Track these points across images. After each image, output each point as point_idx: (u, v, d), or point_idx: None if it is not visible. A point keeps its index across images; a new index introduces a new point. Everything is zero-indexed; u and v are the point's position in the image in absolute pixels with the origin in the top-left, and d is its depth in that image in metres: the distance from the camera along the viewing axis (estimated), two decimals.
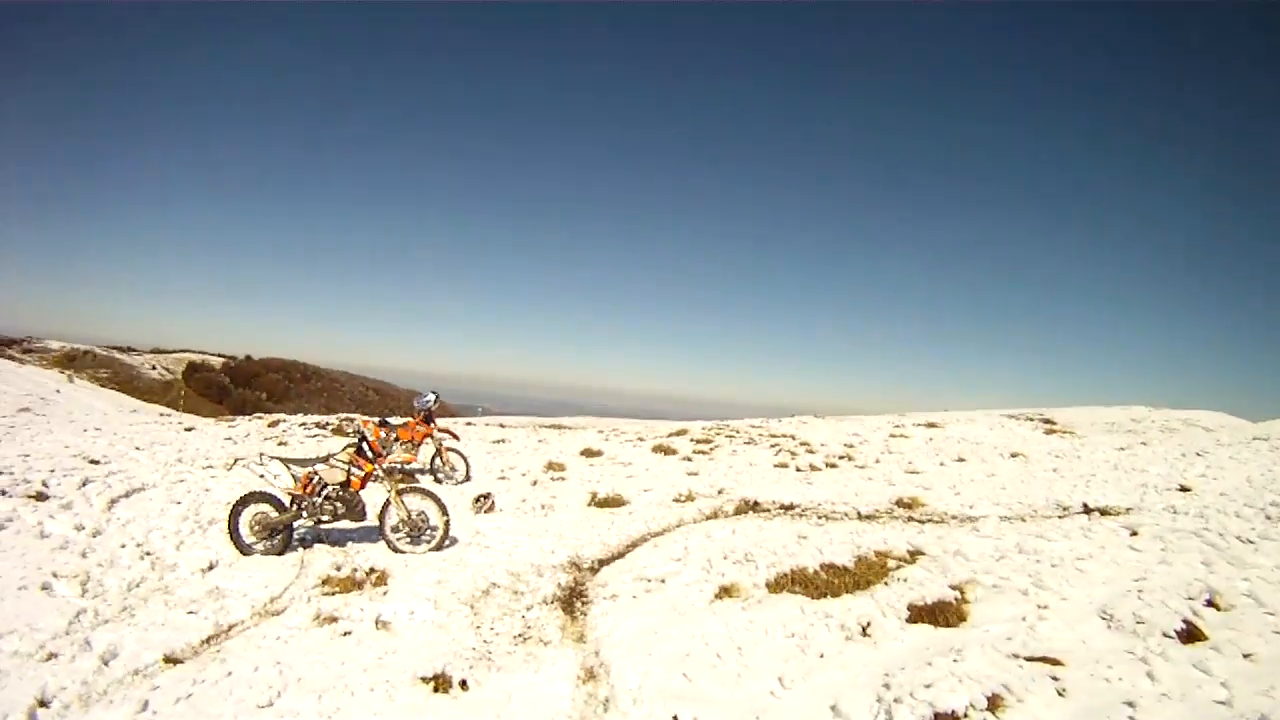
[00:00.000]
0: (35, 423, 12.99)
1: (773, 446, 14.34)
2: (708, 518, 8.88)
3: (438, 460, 10.06)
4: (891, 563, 5.76)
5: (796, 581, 5.37)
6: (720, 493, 10.07)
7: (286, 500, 6.33)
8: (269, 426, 14.81)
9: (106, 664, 4.07)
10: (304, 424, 15.02)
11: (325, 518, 6.35)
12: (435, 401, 10.35)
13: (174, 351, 74.19)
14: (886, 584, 5.15)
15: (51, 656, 4.06)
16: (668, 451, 13.35)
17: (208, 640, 4.55)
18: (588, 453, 12.73)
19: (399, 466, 9.87)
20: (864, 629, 4.38)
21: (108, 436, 11.29)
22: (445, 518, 6.43)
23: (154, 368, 64.62)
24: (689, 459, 12.88)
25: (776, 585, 5.34)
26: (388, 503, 6.39)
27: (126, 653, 4.21)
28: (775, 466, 12.37)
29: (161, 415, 22.75)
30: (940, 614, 4.42)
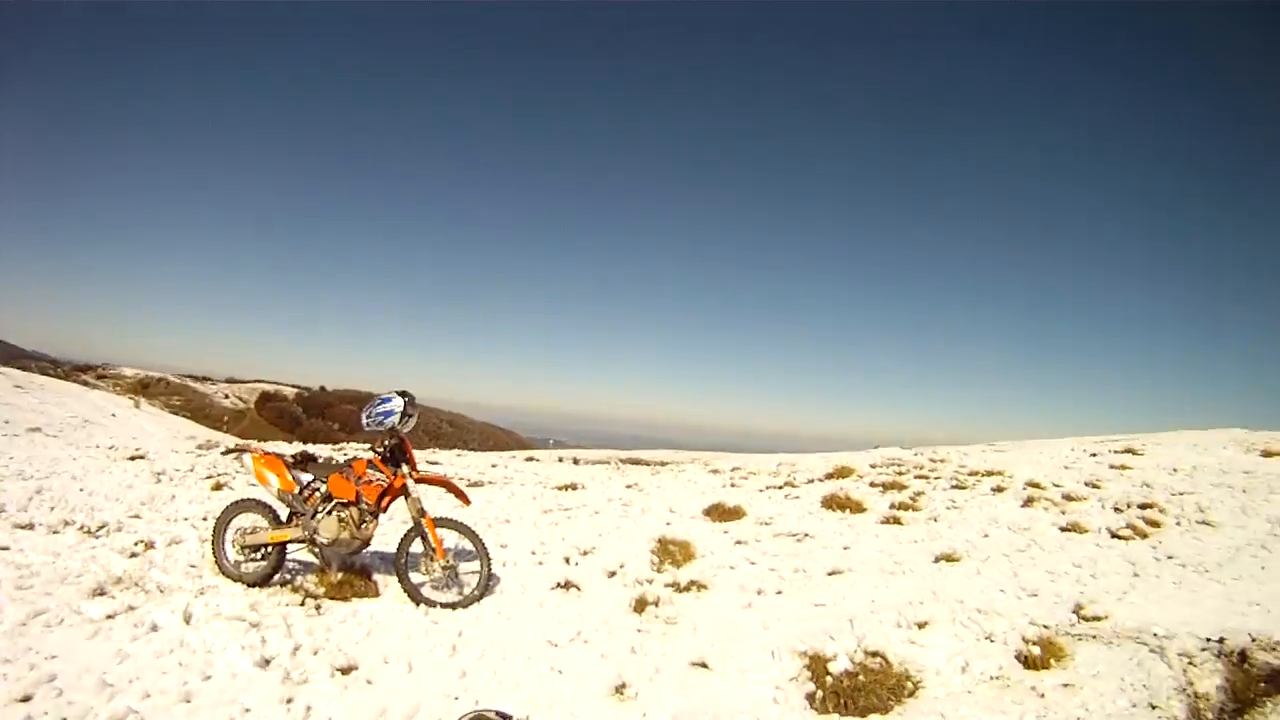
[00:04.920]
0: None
1: (997, 490, 8.30)
2: None
3: (418, 544, 4.43)
4: None
5: None
6: (1083, 617, 4.24)
7: None
8: (225, 455, 10.18)
9: None
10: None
11: None
12: (406, 417, 4.50)
13: (248, 381, 74.27)
14: None
15: None
16: (852, 508, 7.54)
17: None
18: (720, 513, 6.88)
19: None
20: None
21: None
22: None
23: (226, 397, 64.03)
24: (896, 520, 7.03)
25: None
26: None
27: None
28: (1063, 531, 6.47)
29: (208, 442, 19.26)
30: None
